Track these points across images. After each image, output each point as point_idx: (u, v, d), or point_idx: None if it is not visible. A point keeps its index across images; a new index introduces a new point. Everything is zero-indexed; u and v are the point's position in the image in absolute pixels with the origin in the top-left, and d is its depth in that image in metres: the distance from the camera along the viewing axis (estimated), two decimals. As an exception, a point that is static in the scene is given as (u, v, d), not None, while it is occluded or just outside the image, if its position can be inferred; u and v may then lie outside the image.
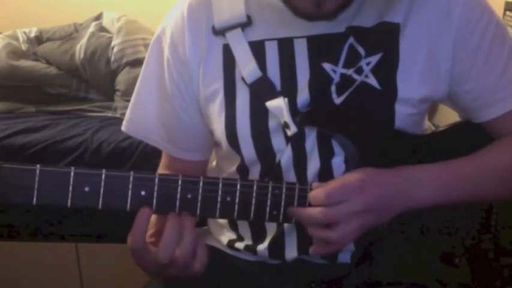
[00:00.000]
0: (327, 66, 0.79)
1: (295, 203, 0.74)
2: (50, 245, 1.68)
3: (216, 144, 0.90)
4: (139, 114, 0.89)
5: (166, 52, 0.84)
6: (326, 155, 0.80)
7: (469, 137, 0.86)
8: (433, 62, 0.79)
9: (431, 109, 0.91)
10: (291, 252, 0.85)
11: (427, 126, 0.92)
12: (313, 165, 0.81)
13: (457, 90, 0.83)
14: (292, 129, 0.77)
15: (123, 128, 0.90)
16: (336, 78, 0.79)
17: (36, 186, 0.65)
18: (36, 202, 0.65)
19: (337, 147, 0.80)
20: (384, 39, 0.79)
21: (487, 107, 0.83)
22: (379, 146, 0.80)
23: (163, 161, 0.95)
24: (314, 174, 0.81)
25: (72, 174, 0.66)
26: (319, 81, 0.79)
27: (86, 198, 0.67)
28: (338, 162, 0.80)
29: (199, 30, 0.82)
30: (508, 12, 1.49)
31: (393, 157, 0.81)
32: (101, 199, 0.67)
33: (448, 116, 1.53)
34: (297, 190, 0.74)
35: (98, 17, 2.15)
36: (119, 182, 0.68)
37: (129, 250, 0.72)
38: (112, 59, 1.95)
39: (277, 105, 0.77)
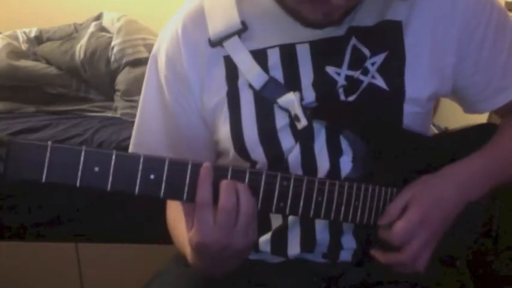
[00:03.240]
0: (330, 69, 0.78)
1: (303, 195, 0.74)
2: (50, 245, 1.68)
3: (220, 154, 0.89)
4: (145, 137, 0.88)
5: (163, 70, 0.83)
6: (334, 153, 0.80)
7: (477, 138, 0.86)
8: (438, 57, 0.80)
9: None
10: (294, 248, 0.85)
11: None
12: (322, 163, 0.81)
13: (465, 83, 0.83)
14: (303, 122, 0.77)
15: (130, 151, 0.89)
16: (341, 80, 0.78)
17: (46, 163, 0.64)
18: (46, 179, 0.64)
19: (345, 146, 0.80)
20: (388, 38, 0.79)
21: (495, 96, 0.84)
22: (388, 144, 0.81)
23: None
24: (322, 173, 0.81)
25: (83, 152, 0.65)
26: (323, 86, 0.78)
27: (95, 178, 0.66)
28: (346, 161, 0.80)
29: (196, 45, 0.81)
30: (508, 13, 1.49)
31: (401, 157, 0.81)
32: (110, 180, 0.66)
33: (448, 116, 1.53)
34: (305, 181, 0.74)
35: (98, 17, 2.15)
36: (128, 164, 0.67)
37: (196, 218, 0.69)
38: (112, 59, 1.95)
39: (288, 98, 0.77)
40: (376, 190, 0.78)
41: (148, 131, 0.88)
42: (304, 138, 0.80)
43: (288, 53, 0.79)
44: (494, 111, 0.87)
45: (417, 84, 0.79)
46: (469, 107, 0.89)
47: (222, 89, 0.81)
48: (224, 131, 0.82)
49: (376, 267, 0.81)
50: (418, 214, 0.76)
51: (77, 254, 1.70)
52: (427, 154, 0.83)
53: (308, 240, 0.84)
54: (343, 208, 0.76)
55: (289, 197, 0.73)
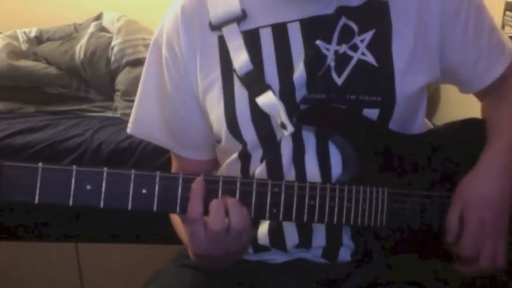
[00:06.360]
0: (320, 44, 0.80)
1: (295, 201, 0.74)
2: (50, 245, 1.68)
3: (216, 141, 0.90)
4: (143, 115, 0.90)
5: (163, 51, 0.86)
6: (323, 158, 0.81)
7: (463, 134, 0.88)
8: (423, 35, 0.82)
9: (431, 109, 0.92)
10: (292, 239, 0.85)
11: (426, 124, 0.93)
12: (311, 168, 0.82)
13: (456, 63, 0.86)
14: (289, 129, 0.78)
15: (128, 130, 0.92)
16: (330, 55, 0.80)
17: (38, 184, 0.64)
18: (39, 201, 0.64)
19: (334, 149, 0.81)
20: (375, 17, 0.82)
21: (488, 71, 0.88)
22: (376, 146, 0.82)
23: (173, 164, 0.97)
24: (312, 177, 0.81)
25: (74, 172, 0.66)
26: (314, 60, 0.80)
27: (87, 196, 0.66)
28: (335, 165, 0.81)
29: (193, 26, 0.83)
30: (508, 12, 1.49)
31: (390, 157, 0.82)
32: (102, 198, 0.67)
33: (448, 117, 1.53)
34: (296, 188, 0.74)
35: (98, 17, 2.16)
36: (120, 180, 0.68)
37: (188, 230, 0.72)
38: (112, 59, 1.95)
39: (274, 105, 0.78)
40: (367, 191, 0.79)
41: (145, 111, 0.90)
42: (295, 135, 0.81)
43: (280, 32, 0.82)
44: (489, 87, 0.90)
45: (404, 60, 0.81)
46: (465, 87, 0.92)
47: (216, 68, 0.83)
48: (218, 110, 0.83)
49: (376, 267, 0.82)
50: (475, 221, 0.81)
51: (77, 254, 1.70)
52: (414, 152, 0.84)
53: (305, 232, 0.84)
54: (336, 211, 0.76)
55: (282, 204, 0.74)
